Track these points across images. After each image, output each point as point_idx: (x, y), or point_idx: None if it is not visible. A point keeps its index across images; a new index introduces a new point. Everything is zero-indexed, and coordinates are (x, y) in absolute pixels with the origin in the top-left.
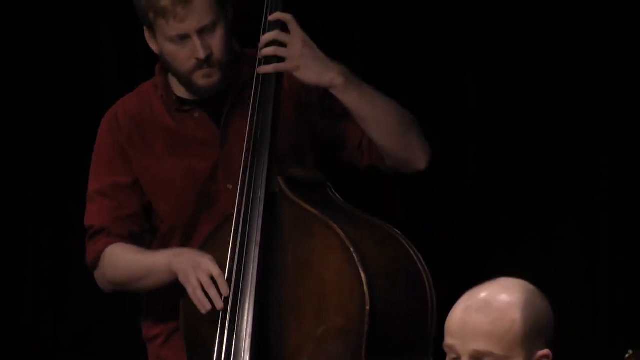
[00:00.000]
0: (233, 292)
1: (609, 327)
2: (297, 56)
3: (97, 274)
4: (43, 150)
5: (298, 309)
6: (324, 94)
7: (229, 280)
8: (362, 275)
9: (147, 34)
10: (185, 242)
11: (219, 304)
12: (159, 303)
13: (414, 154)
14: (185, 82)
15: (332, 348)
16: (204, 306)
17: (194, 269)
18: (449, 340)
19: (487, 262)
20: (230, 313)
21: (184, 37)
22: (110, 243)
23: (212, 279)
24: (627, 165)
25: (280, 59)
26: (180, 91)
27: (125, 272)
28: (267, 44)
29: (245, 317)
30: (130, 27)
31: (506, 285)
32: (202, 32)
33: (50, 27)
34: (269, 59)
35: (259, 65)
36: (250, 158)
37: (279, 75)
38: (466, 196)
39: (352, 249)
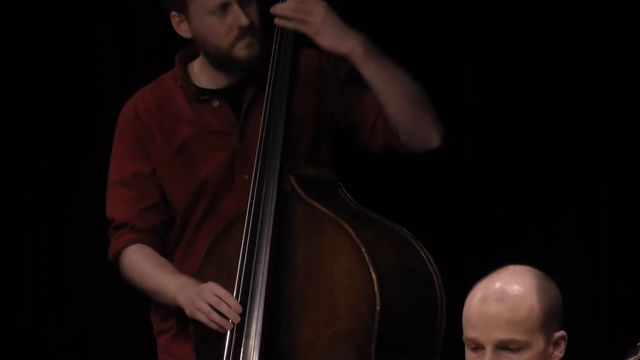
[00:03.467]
0: (243, 290)
1: (611, 321)
2: (319, 21)
3: (120, 268)
4: (42, 151)
5: (308, 308)
6: (344, 80)
7: (239, 278)
8: (373, 275)
9: (175, 20)
10: (197, 231)
11: (236, 318)
12: None
13: (428, 130)
14: (226, 58)
15: (342, 348)
16: (222, 327)
17: (198, 295)
18: (470, 333)
19: (488, 258)
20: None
21: (225, 7)
22: (132, 241)
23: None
24: (629, 160)
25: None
26: (200, 81)
27: (139, 283)
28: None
29: (255, 315)
30: (130, 27)
31: (517, 271)
32: (241, 2)
33: (50, 27)
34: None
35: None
36: (262, 156)
37: (294, 66)
38: (466, 192)
39: (363, 250)
